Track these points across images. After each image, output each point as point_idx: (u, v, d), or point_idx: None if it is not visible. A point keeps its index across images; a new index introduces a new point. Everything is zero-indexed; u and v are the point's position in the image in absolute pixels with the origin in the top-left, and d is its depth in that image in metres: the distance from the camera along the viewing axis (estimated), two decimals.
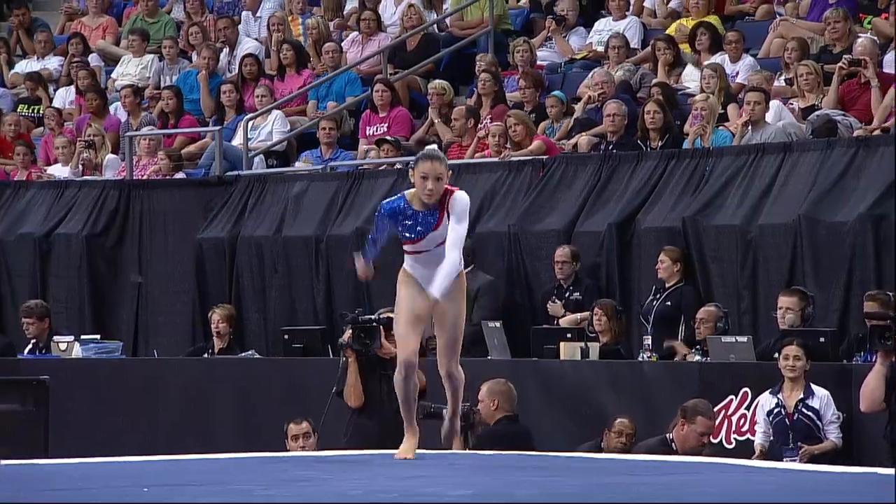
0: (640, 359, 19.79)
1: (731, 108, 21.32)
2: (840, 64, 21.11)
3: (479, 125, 23.37)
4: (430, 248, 12.66)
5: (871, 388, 16.24)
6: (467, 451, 16.63)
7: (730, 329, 19.00)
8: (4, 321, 23.52)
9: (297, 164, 25.83)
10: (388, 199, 12.79)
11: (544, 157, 22.00)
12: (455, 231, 12.54)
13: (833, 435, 16.81)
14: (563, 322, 20.93)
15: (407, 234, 12.68)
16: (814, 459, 16.06)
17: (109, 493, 10.44)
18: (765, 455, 16.55)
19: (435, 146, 13.54)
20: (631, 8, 25.07)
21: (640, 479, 11.74)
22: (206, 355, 22.82)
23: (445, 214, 12.53)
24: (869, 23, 21.49)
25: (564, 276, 21.12)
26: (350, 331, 18.38)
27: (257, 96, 25.93)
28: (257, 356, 22.33)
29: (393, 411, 14.12)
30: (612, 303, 20.01)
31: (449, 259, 12.48)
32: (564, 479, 11.96)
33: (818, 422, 16.78)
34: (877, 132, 20.12)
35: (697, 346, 19.09)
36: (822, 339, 17.60)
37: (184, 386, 23.19)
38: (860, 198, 19.45)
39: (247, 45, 27.88)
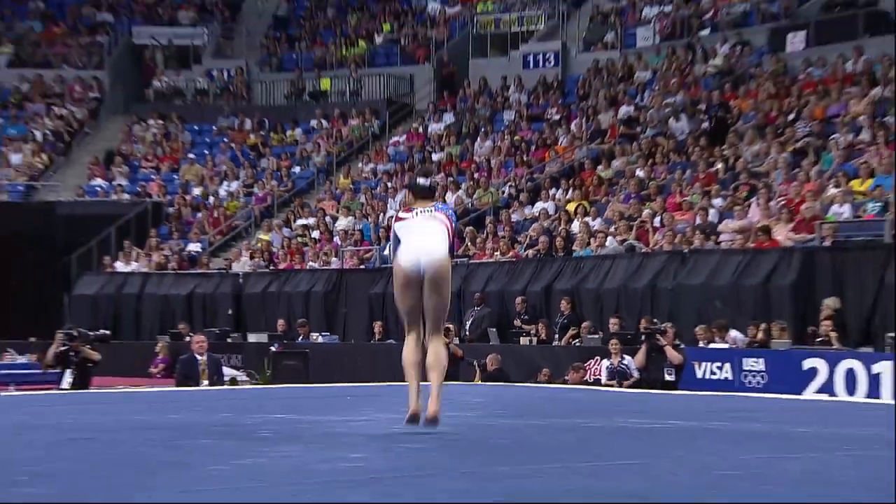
0: (554, 344, 18.90)
1: (593, 240, 20.79)
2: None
3: (487, 245, 22.44)
4: None
5: (638, 357, 15.86)
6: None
7: (595, 332, 18.46)
8: (293, 329, 22.60)
9: None
10: None
11: (514, 259, 21.44)
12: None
13: (636, 375, 15.94)
14: (526, 328, 19.73)
15: None
16: (629, 387, 15.52)
17: (330, 400, 10.78)
18: (607, 386, 16.07)
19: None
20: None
21: (560, 395, 12.35)
22: (372, 342, 21.67)
23: None
24: None
25: (519, 309, 19.92)
26: None
27: None
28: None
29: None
30: (546, 321, 19.45)
31: None
32: (531, 394, 12.52)
33: (628, 370, 16.03)
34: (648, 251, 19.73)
35: (579, 339, 18.62)
36: (629, 336, 17.26)
37: (365, 354, 21.13)
38: (643, 273, 18.94)
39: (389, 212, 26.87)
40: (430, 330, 7.39)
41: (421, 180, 7.79)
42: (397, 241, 7.51)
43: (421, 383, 7.22)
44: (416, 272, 7.29)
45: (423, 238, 7.38)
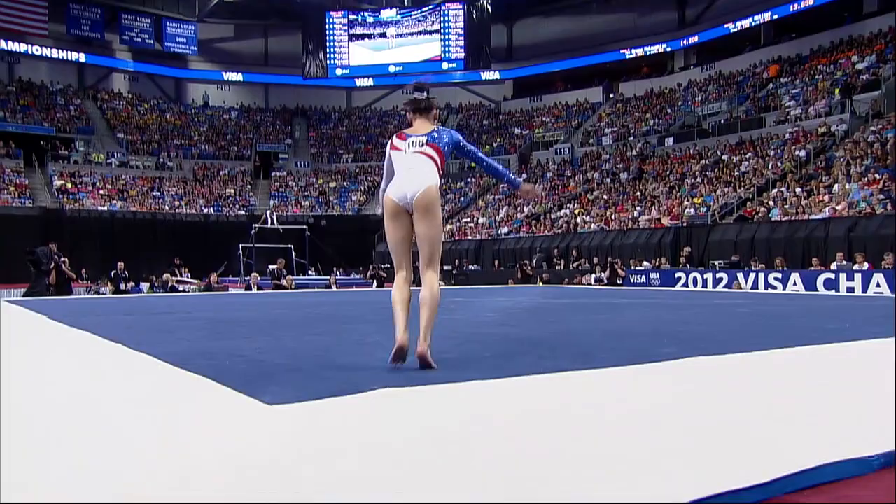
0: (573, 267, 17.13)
1: (591, 223, 18.77)
2: None
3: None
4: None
5: (607, 273, 14.30)
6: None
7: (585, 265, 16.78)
8: (462, 264, 20.01)
9: None
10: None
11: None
12: None
13: (605, 280, 13.60)
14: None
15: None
16: (603, 285, 13.67)
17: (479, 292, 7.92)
18: (595, 285, 14.45)
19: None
20: None
21: (577, 289, 8.93)
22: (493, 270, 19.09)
23: None
24: None
25: (556, 253, 18.15)
26: None
27: None
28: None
29: None
30: (566, 261, 17.37)
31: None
32: (564, 289, 9.39)
33: (602, 278, 13.79)
34: None
35: (580, 267, 16.73)
36: (603, 264, 15.86)
37: (496, 274, 17.97)
38: (609, 236, 17.33)
39: None
40: (425, 265, 3.12)
41: (416, 94, 3.25)
42: (391, 171, 3.21)
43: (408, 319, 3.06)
44: (404, 203, 3.10)
45: (411, 172, 3.12)
